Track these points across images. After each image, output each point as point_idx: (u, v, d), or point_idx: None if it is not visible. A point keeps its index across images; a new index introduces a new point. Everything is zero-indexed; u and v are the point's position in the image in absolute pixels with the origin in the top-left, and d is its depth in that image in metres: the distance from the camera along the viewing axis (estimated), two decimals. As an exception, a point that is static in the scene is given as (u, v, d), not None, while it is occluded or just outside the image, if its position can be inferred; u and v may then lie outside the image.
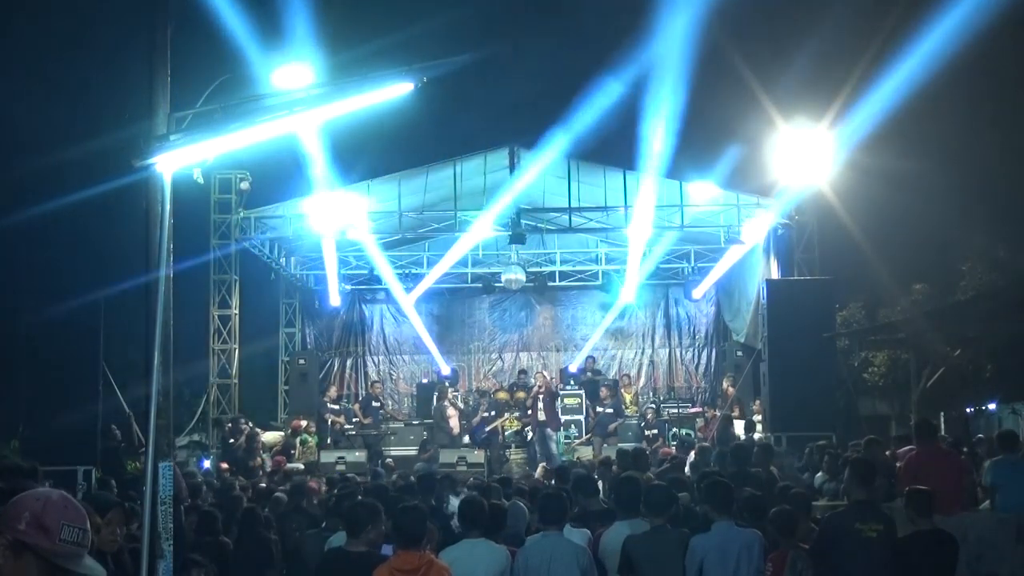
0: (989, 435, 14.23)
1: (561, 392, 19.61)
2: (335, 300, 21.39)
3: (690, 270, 21.87)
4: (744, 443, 13.09)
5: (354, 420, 19.68)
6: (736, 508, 6.44)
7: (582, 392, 19.78)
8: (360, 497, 7.10)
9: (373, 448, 18.17)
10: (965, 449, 12.70)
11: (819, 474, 11.62)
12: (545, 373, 19.77)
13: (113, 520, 5.07)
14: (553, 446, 17.80)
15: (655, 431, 18.49)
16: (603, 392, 19.15)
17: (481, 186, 18.82)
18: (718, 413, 18.26)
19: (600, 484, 9.77)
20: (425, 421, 19.31)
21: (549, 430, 17.94)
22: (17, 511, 2.50)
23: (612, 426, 18.42)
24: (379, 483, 10.71)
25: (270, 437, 17.94)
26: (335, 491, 9.39)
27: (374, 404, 19.90)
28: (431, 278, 21.01)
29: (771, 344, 16.20)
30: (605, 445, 17.77)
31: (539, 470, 13.83)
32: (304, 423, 17.85)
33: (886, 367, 21.18)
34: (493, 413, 18.73)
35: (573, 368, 21.58)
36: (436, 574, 5.22)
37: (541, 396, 18.28)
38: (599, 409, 18.91)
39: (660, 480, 8.41)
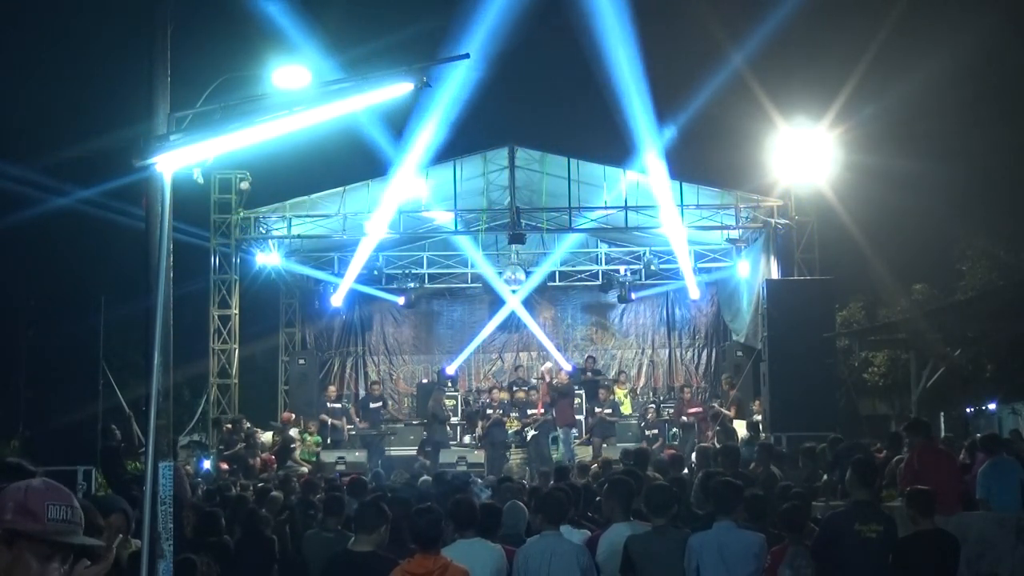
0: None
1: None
2: (338, 300, 21.26)
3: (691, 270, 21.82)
4: (733, 444, 13.04)
5: (354, 421, 19.65)
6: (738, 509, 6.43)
7: (582, 392, 19.73)
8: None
9: (373, 448, 18.14)
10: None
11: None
12: (547, 370, 19.75)
13: (113, 523, 5.00)
14: (546, 447, 17.77)
15: (655, 431, 18.47)
16: (601, 394, 19.08)
17: (481, 186, 18.81)
18: (715, 406, 18.32)
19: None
20: (424, 421, 19.27)
21: (559, 430, 17.90)
22: (1, 503, 2.53)
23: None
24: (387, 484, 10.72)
25: (269, 437, 17.93)
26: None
27: (373, 405, 19.82)
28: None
29: (771, 344, 16.20)
30: (604, 446, 17.77)
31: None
32: (293, 416, 17.87)
33: (886, 367, 21.18)
34: (491, 412, 18.70)
35: (567, 368, 21.50)
36: None
37: (542, 395, 18.27)
38: (597, 410, 18.89)
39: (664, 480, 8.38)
